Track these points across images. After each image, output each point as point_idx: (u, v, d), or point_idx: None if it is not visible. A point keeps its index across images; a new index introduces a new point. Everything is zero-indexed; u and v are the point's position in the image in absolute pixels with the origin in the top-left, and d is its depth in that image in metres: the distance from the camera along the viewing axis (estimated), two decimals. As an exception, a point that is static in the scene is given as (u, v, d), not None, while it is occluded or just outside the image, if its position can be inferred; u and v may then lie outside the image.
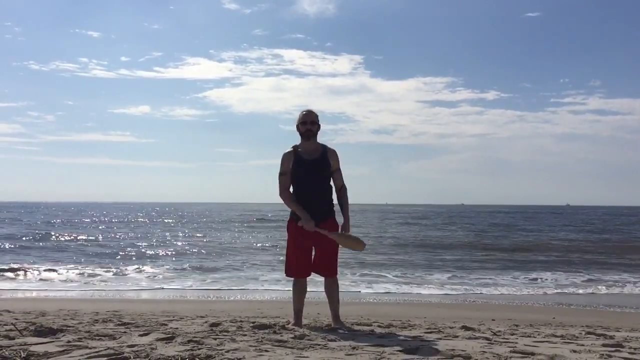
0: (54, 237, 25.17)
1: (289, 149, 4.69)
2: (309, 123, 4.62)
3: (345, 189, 4.79)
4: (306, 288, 4.77)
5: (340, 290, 4.84)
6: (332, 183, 4.76)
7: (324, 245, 4.64)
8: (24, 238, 23.99)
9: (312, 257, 4.71)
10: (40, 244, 21.43)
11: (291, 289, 4.82)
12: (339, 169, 4.75)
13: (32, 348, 3.34)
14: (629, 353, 3.57)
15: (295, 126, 4.69)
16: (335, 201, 4.78)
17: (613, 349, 3.74)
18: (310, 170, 4.58)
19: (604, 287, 11.83)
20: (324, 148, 4.68)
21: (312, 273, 4.74)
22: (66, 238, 24.75)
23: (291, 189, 4.70)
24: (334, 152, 4.72)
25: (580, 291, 11.37)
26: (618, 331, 5.12)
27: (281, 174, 4.67)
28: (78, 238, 24.60)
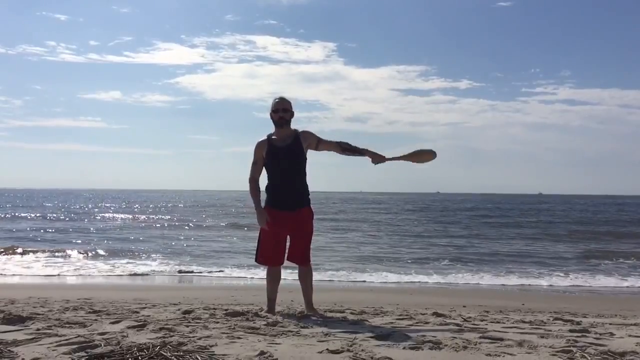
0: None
1: (263, 137, 4.66)
2: (280, 111, 4.58)
3: (345, 142, 4.60)
4: (280, 276, 4.78)
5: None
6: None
7: (299, 234, 4.66)
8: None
9: (287, 245, 4.72)
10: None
11: (265, 276, 4.83)
12: (320, 139, 4.63)
13: (0, 336, 3.28)
14: (595, 338, 3.66)
15: (269, 114, 4.67)
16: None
17: (579, 334, 3.83)
18: (283, 157, 4.57)
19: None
20: (296, 133, 4.64)
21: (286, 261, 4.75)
22: None
23: (266, 178, 4.69)
24: (306, 132, 4.65)
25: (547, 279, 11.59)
26: (585, 317, 5.24)
27: (253, 163, 4.67)
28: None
